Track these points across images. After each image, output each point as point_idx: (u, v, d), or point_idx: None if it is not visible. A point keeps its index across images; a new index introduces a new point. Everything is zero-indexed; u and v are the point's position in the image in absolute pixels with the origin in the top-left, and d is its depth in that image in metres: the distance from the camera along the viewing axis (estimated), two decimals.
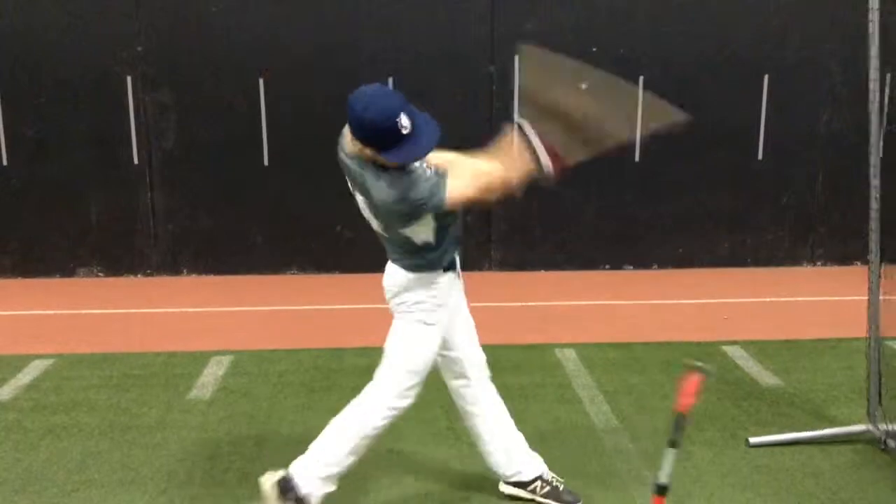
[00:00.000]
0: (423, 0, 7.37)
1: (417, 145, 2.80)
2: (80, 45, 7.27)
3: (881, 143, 3.80)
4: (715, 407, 4.49)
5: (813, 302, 6.80)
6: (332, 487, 3.29)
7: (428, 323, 3.19)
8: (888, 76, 3.82)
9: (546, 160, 2.88)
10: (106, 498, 3.52)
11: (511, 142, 2.94)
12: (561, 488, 3.47)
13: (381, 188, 2.87)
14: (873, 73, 3.70)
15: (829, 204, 7.91)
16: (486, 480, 3.61)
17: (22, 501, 3.50)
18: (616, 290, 7.02)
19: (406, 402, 3.24)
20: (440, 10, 7.41)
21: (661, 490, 2.72)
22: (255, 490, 3.51)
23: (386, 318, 3.30)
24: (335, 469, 3.26)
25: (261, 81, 7.33)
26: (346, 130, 2.95)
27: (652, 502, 2.74)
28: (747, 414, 4.39)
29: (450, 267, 3.20)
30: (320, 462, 3.26)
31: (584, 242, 7.79)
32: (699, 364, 2.55)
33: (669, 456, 2.69)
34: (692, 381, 2.63)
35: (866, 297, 3.98)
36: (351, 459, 3.27)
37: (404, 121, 2.77)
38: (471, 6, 7.35)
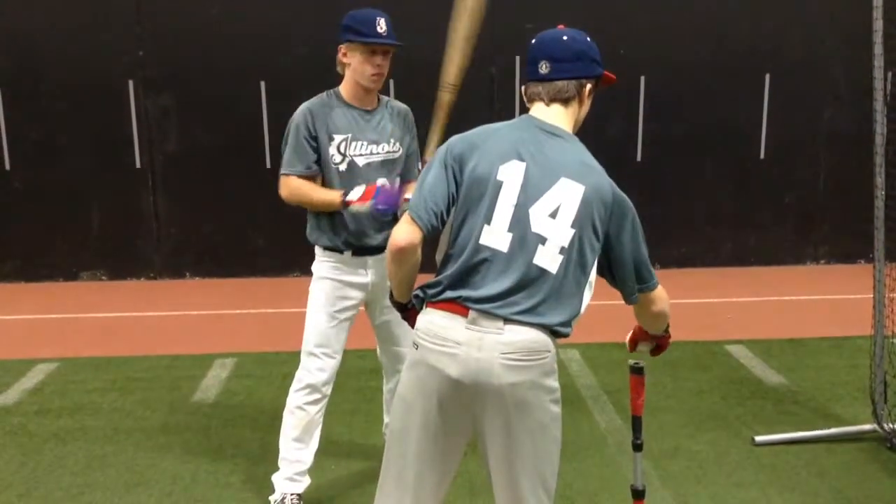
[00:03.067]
0: (422, 1, 7.36)
1: None
2: (82, 49, 7.28)
3: (885, 142, 3.79)
4: (719, 406, 4.49)
5: (817, 300, 6.80)
6: (304, 482, 3.39)
7: (320, 293, 3.32)
8: (889, 74, 3.81)
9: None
10: (111, 501, 3.52)
11: None
12: None
13: None
14: (878, 72, 3.70)
15: (831, 202, 7.90)
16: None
17: None
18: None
19: (300, 375, 3.33)
20: (439, 11, 7.39)
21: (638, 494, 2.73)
22: (260, 492, 3.52)
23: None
24: (291, 463, 3.35)
25: (262, 84, 7.34)
26: None
27: None
28: (752, 413, 4.39)
29: (347, 248, 3.27)
30: (281, 461, 3.38)
31: None
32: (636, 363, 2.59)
33: (638, 460, 2.71)
34: (635, 381, 2.64)
35: (870, 296, 3.97)
36: (297, 446, 3.33)
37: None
38: None
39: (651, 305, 2.33)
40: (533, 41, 2.30)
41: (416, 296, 2.25)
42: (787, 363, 5.15)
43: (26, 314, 6.67)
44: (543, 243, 2.11)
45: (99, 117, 7.41)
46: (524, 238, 2.12)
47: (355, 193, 3.13)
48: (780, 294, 6.97)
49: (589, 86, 2.26)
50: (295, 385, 3.34)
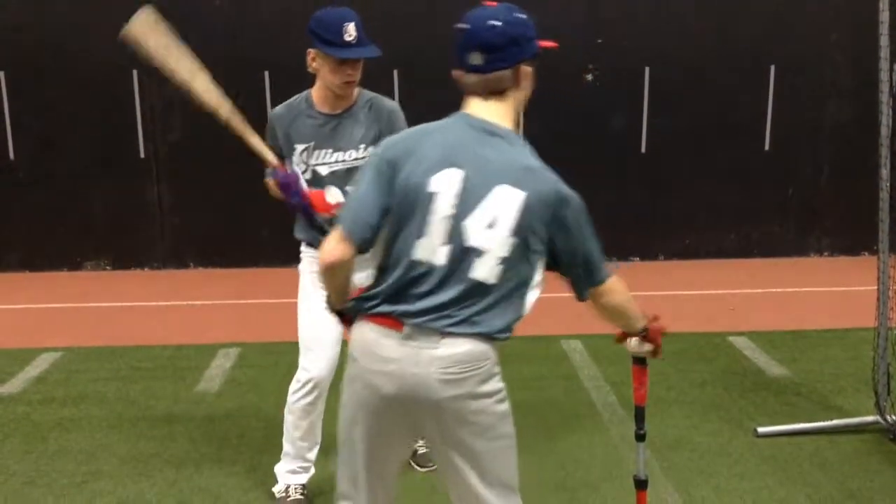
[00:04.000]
0: None
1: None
2: (86, 40, 7.27)
3: (890, 134, 3.78)
4: (722, 397, 4.49)
5: (819, 292, 6.79)
6: (308, 473, 3.39)
7: (309, 289, 3.35)
8: (895, 66, 3.81)
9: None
10: (115, 489, 3.54)
11: None
12: None
13: None
14: (883, 64, 3.69)
15: (835, 194, 7.88)
16: None
17: (32, 493, 3.51)
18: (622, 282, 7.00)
19: (300, 375, 3.29)
20: (444, 1, 7.38)
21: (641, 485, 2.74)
22: (264, 481, 3.53)
23: None
24: (294, 457, 3.36)
25: (266, 74, 7.33)
26: None
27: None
28: (754, 404, 4.39)
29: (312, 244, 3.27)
30: (284, 455, 3.39)
31: None
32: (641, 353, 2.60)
33: (641, 450, 2.73)
34: (637, 372, 2.65)
35: (873, 287, 3.97)
36: (300, 444, 3.33)
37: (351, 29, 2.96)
38: None
39: (602, 298, 2.24)
40: (461, 24, 2.09)
41: (352, 307, 2.15)
42: (790, 355, 5.15)
43: (30, 303, 6.69)
44: (481, 256, 2.00)
45: (103, 107, 7.41)
46: (461, 251, 2.01)
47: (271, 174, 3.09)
48: (783, 286, 6.97)
49: (528, 68, 2.10)
50: (293, 385, 3.30)
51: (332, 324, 3.27)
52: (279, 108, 3.23)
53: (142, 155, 7.50)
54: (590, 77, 7.41)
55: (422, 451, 3.62)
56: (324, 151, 3.11)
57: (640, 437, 2.73)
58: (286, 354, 5.23)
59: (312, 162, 3.12)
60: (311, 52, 3.05)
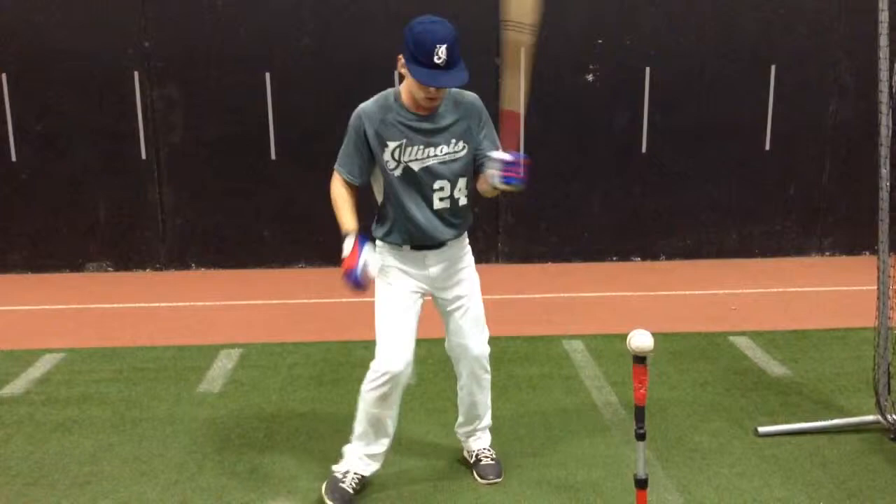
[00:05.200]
0: None
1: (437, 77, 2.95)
2: (87, 40, 7.29)
3: (890, 133, 3.79)
4: (723, 397, 4.50)
5: (821, 292, 6.79)
6: (372, 466, 3.42)
7: (386, 283, 3.32)
8: (895, 66, 3.81)
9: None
10: (117, 490, 3.55)
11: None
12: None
13: None
14: (883, 64, 3.69)
15: (836, 194, 7.89)
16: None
17: (35, 493, 3.53)
18: (623, 282, 7.03)
19: (376, 365, 3.27)
20: (445, 1, 7.39)
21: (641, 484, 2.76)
22: (265, 482, 3.54)
23: None
24: (365, 444, 3.38)
25: (267, 76, 7.34)
26: None
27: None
28: (755, 404, 4.40)
29: (402, 243, 3.27)
30: (358, 436, 3.40)
31: (592, 234, 7.79)
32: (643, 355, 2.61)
33: (641, 450, 2.74)
34: (638, 371, 2.67)
35: (874, 287, 3.97)
36: (371, 432, 3.35)
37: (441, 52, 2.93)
38: None
39: None
40: None
41: None
42: (791, 354, 5.16)
43: (33, 305, 6.70)
44: None
45: (104, 109, 7.42)
46: None
47: (346, 248, 3.10)
48: (784, 285, 6.97)
49: None
50: (369, 375, 3.30)
51: (409, 318, 3.31)
52: (369, 105, 3.16)
53: (143, 156, 7.51)
54: (590, 77, 7.42)
55: (484, 462, 3.62)
56: (415, 148, 3.12)
57: (640, 437, 2.74)
58: (288, 355, 5.26)
59: (405, 159, 3.13)
60: (401, 58, 3.00)
